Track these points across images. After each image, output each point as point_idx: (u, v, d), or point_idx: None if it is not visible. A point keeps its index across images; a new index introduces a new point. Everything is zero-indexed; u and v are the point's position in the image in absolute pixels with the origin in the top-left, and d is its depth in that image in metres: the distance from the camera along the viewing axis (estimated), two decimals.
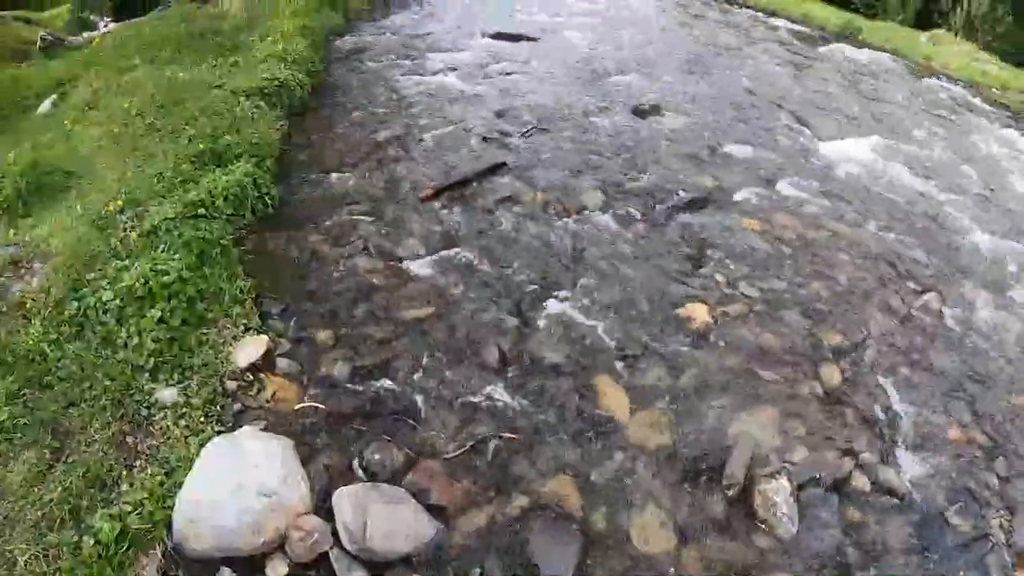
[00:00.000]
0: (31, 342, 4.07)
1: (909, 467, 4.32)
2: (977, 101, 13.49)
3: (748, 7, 23.29)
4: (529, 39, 13.33)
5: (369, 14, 14.74)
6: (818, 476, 4.10)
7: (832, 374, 4.93)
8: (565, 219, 6.36)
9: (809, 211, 7.23)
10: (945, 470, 4.34)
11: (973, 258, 6.97)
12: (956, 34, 19.52)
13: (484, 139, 7.78)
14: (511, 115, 8.62)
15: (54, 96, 8.86)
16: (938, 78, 15.01)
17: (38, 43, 12.97)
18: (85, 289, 4.46)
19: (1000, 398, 5.05)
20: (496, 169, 7.02)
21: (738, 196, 7.34)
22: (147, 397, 3.91)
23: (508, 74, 10.42)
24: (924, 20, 21.23)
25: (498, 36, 13.24)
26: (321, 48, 10.73)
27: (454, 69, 10.25)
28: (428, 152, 7.43)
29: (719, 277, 5.82)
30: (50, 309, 4.34)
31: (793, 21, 21.28)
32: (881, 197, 7.91)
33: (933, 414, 4.75)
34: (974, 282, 6.48)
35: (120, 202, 5.51)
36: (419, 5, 17.20)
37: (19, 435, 3.58)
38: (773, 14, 22.63)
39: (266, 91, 8.06)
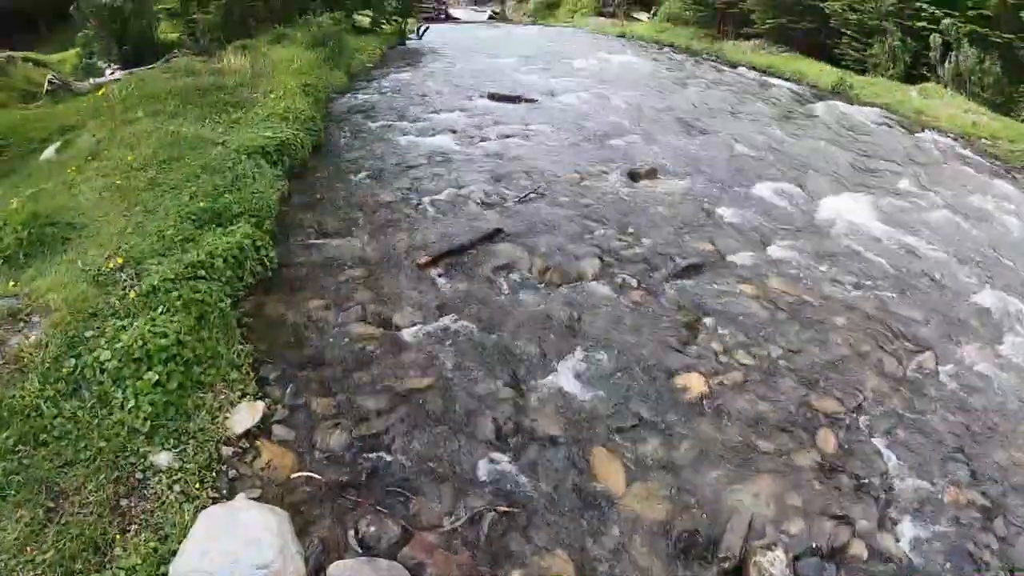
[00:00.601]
0: (27, 398, 4.11)
1: (907, 532, 4.33)
2: (968, 152, 13.91)
3: (741, 66, 24.06)
4: (527, 101, 13.72)
5: (371, 72, 15.19)
6: (814, 546, 4.12)
7: (828, 441, 4.98)
8: (562, 288, 6.46)
9: (804, 274, 7.38)
10: (944, 533, 4.35)
11: (968, 314, 7.07)
12: (946, 87, 20.19)
13: (482, 204, 7.98)
14: (509, 179, 8.83)
15: (58, 143, 9.02)
16: (930, 131, 15.49)
17: (45, 86, 13.27)
18: (83, 347, 4.52)
19: (998, 456, 5.10)
20: (493, 236, 7.17)
21: (734, 260, 7.48)
22: (142, 460, 3.94)
23: (506, 137, 10.69)
24: (914, 74, 21.85)
25: (497, 97, 13.65)
26: (323, 106, 10.97)
27: (453, 131, 10.51)
28: (426, 217, 7.60)
29: (715, 345, 5.91)
30: (47, 365, 4.37)
31: (786, 79, 21.99)
32: (875, 256, 8.06)
33: (930, 476, 4.78)
34: (969, 338, 6.57)
35: (120, 259, 5.59)
36: (420, 64, 17.69)
37: (13, 492, 3.61)
38: (766, 72, 23.42)
39: (267, 150, 8.24)
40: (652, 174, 9.72)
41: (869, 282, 7.40)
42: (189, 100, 10.03)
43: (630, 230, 7.89)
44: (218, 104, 10.03)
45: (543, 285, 6.49)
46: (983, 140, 15.81)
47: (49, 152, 8.84)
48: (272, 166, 8.02)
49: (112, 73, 16.26)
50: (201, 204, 6.58)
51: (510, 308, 6.04)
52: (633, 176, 9.58)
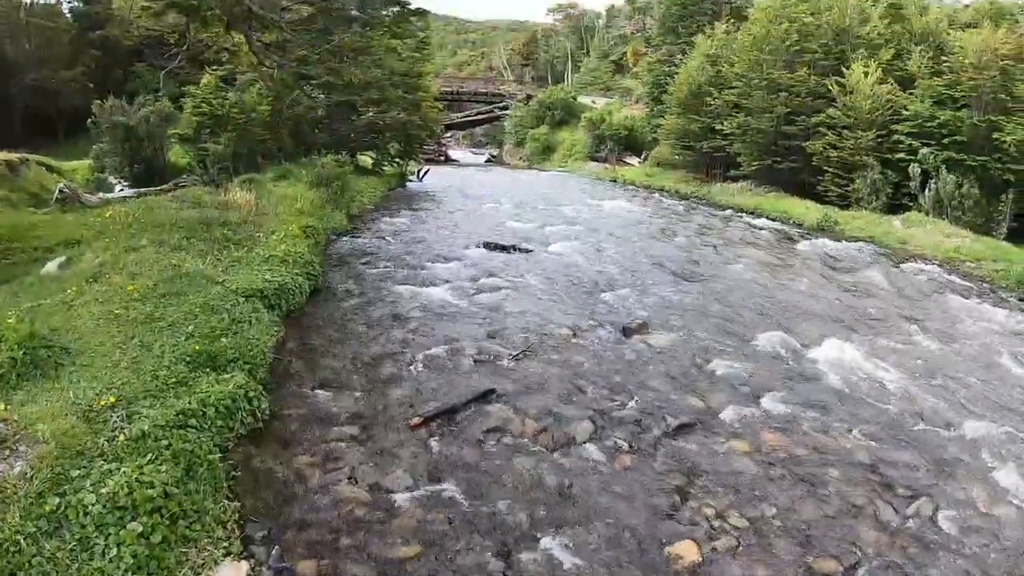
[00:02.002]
0: (7, 531, 4.10)
1: None
2: (954, 278, 14.45)
3: (729, 208, 25.14)
4: (521, 250, 14.28)
5: (371, 214, 15.82)
6: None
7: None
8: (553, 452, 6.55)
9: (796, 425, 7.48)
10: None
11: (960, 450, 7.12)
12: (927, 214, 21.44)
13: (475, 361, 8.20)
14: (502, 334, 9.12)
15: (62, 258, 9.29)
16: (915, 261, 16.17)
17: (56, 194, 13.72)
18: (68, 486, 4.56)
19: None
20: (486, 396, 7.36)
21: (725, 416, 7.58)
22: None
23: (500, 289, 11.09)
24: (896, 204, 23.16)
25: (491, 247, 14.19)
26: (322, 248, 11.32)
27: (448, 281, 10.88)
28: (419, 373, 7.81)
29: (707, 509, 5.91)
30: (31, 500, 4.39)
31: (772, 220, 22.94)
32: (866, 400, 8.20)
33: None
34: (965, 477, 6.60)
35: (112, 398, 5.69)
36: (419, 208, 18.45)
37: None
38: (753, 213, 24.53)
39: (265, 293, 8.54)
40: (643, 328, 10.02)
41: (861, 428, 7.48)
42: (193, 233, 10.45)
43: (622, 389, 8.06)
44: (221, 240, 10.44)
45: (534, 449, 6.58)
46: (967, 264, 16.55)
47: (52, 266, 9.10)
48: (269, 310, 8.28)
49: (121, 190, 16.91)
50: (197, 346, 6.77)
51: (501, 473, 6.11)
52: (625, 331, 9.87)
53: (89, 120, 19.31)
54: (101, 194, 15.45)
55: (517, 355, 8.55)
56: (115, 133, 18.41)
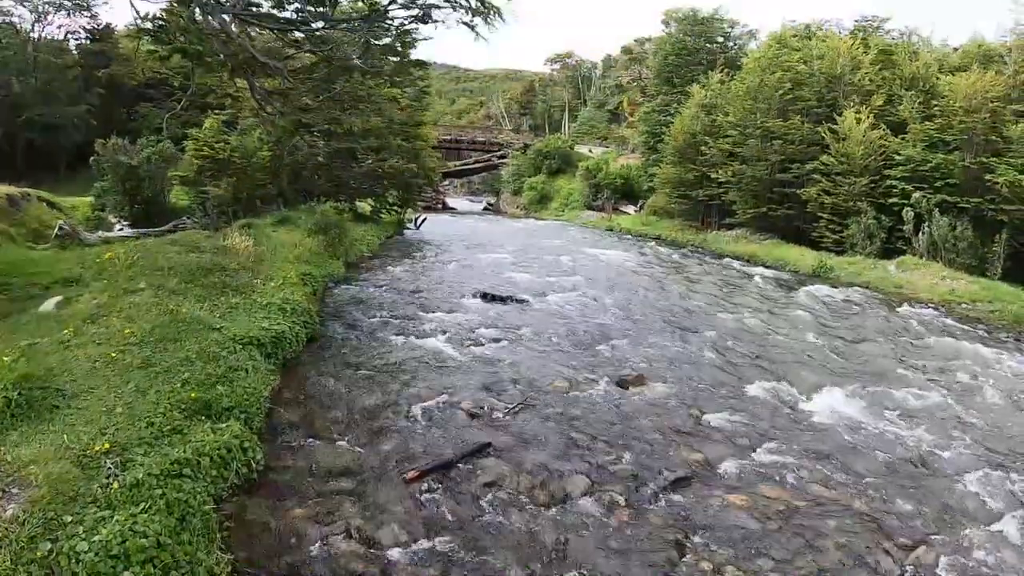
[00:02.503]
0: None
1: None
2: (950, 321, 14.51)
3: (726, 256, 25.31)
4: (518, 301, 14.36)
5: (369, 261, 15.93)
6: None
7: None
8: (549, 508, 6.54)
9: (793, 476, 7.46)
10: None
11: (963, 498, 7.08)
12: (921, 257, 21.72)
13: (470, 415, 8.23)
14: (498, 387, 9.17)
15: (59, 298, 9.35)
16: (910, 304, 16.30)
17: (56, 230, 13.83)
18: (61, 532, 4.54)
19: None
20: (482, 450, 7.37)
21: (722, 469, 7.58)
22: None
23: (496, 341, 11.15)
24: (890, 248, 23.52)
25: (488, 298, 14.27)
26: (320, 296, 11.39)
27: (444, 332, 10.95)
28: (416, 425, 7.85)
29: (705, 564, 5.87)
30: (22, 544, 4.37)
31: (768, 267, 23.08)
32: (864, 449, 8.20)
33: None
34: (965, 523, 6.57)
35: (107, 444, 5.68)
36: (416, 257, 18.57)
37: None
38: (750, 261, 24.78)
39: (262, 341, 8.59)
40: (640, 380, 10.04)
41: (859, 477, 7.48)
42: (191, 278, 10.54)
43: (618, 442, 8.06)
44: (219, 286, 10.52)
45: (530, 504, 6.56)
46: (963, 305, 16.70)
47: (49, 305, 9.13)
48: (266, 358, 8.32)
49: (121, 229, 17.08)
50: (193, 394, 6.80)
51: (497, 529, 6.10)
52: (621, 384, 9.90)
53: (92, 159, 19.57)
54: (100, 233, 15.61)
55: (513, 408, 8.58)
56: (117, 172, 18.67)
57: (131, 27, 35.60)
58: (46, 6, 40.68)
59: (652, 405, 9.32)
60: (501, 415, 8.40)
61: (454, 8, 12.77)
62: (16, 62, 37.93)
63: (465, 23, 12.87)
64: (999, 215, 21.25)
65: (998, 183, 21.00)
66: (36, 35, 40.78)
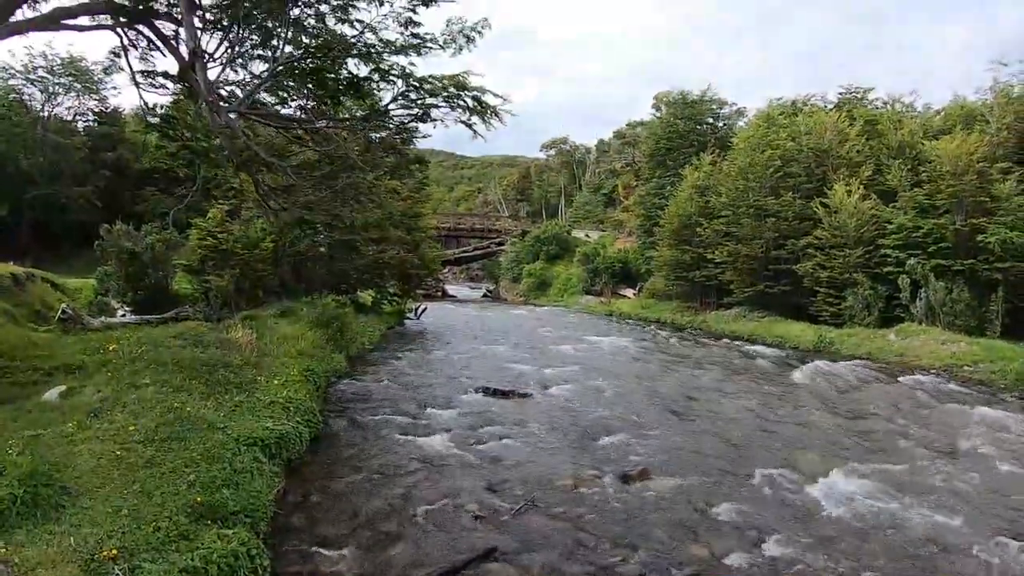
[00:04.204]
0: None
1: None
2: (953, 386, 14.49)
3: (725, 337, 25.39)
4: (520, 395, 14.45)
5: (371, 354, 16.10)
6: None
7: None
8: None
9: (803, 568, 7.37)
10: None
11: (975, 571, 7.03)
12: (920, 322, 21.74)
13: (476, 517, 8.26)
14: (503, 487, 9.21)
15: (63, 388, 9.50)
16: (912, 373, 16.34)
17: (58, 313, 13.97)
18: None
19: None
20: (488, 555, 7.37)
21: (731, 563, 7.50)
22: None
23: (499, 438, 11.25)
24: (888, 316, 23.75)
25: (490, 392, 14.39)
26: (323, 393, 11.49)
27: (447, 430, 11.06)
28: (420, 529, 7.88)
29: None
30: None
31: (768, 345, 23.07)
32: (871, 532, 8.13)
33: None
34: None
35: (114, 551, 5.72)
36: (417, 349, 18.73)
37: None
38: (749, 340, 24.76)
39: (267, 442, 8.68)
40: (644, 474, 10.05)
41: (870, 560, 7.41)
42: (195, 375, 10.68)
43: (624, 540, 8.03)
44: (223, 382, 10.69)
45: None
46: (965, 368, 16.75)
47: (52, 394, 9.27)
48: (270, 459, 8.41)
49: (123, 315, 17.24)
50: (199, 497, 6.86)
51: None
52: (625, 479, 9.91)
53: (96, 243, 19.90)
54: (103, 318, 15.79)
55: (518, 509, 8.60)
56: (121, 258, 18.96)
57: (137, 111, 36.87)
58: (56, 86, 41.88)
59: (658, 499, 9.32)
60: (506, 516, 8.41)
61: (452, 108, 13.30)
62: (25, 140, 38.75)
63: (463, 122, 13.40)
64: (994, 274, 21.72)
65: (990, 243, 21.58)
66: (45, 114, 41.78)
